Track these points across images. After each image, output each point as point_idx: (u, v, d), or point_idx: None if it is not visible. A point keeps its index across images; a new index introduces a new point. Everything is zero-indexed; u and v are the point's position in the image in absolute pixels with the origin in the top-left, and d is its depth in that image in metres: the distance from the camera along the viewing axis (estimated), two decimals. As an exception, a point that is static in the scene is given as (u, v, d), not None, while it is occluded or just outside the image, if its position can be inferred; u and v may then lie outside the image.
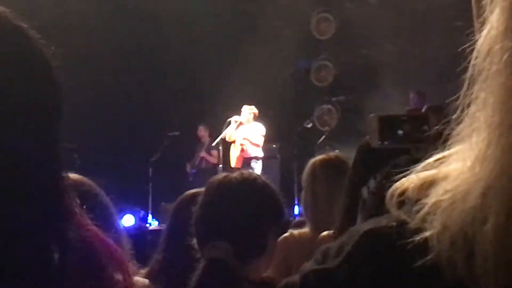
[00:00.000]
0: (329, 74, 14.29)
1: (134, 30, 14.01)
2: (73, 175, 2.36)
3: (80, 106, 12.70)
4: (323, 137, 13.29)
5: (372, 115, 2.39)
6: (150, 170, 12.89)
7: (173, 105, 14.34)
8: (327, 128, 13.74)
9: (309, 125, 14.10)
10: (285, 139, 13.29)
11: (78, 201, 0.96)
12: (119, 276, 0.94)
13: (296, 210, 11.03)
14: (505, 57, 0.70)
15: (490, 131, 0.70)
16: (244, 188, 2.43)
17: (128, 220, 11.36)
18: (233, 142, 12.41)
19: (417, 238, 0.73)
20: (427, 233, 0.72)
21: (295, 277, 0.84)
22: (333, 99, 14.28)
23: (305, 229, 3.66)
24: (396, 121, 2.33)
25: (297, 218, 4.97)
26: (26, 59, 0.91)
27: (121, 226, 2.54)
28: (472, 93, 0.74)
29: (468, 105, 0.74)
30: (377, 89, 13.11)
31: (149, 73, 14.32)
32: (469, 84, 0.74)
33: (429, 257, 0.71)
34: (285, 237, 3.53)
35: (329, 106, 14.24)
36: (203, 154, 13.27)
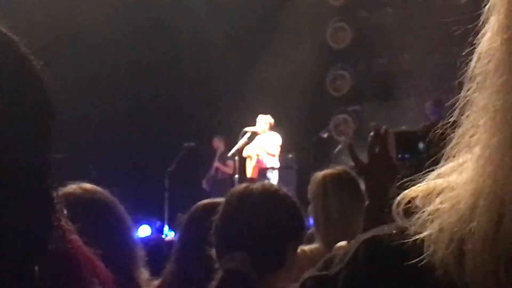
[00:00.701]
0: (345, 83, 14.28)
1: (150, 41, 14.06)
2: (89, 186, 2.36)
3: (97, 117, 12.77)
4: (339, 146, 13.25)
5: (373, 124, 2.39)
6: (166, 180, 12.89)
7: (189, 116, 14.37)
8: (343, 137, 13.71)
9: (325, 135, 14.07)
10: (301, 149, 13.28)
11: (65, 213, 0.95)
12: None
13: (311, 220, 10.98)
14: (497, 56, 0.71)
15: (483, 133, 0.71)
16: (265, 199, 2.42)
17: (144, 231, 11.37)
18: (249, 157, 12.41)
19: (414, 239, 0.74)
20: (422, 235, 0.74)
21: (296, 285, 0.85)
22: (349, 108, 14.26)
23: (316, 245, 3.62)
24: (413, 137, 2.32)
25: (310, 230, 4.93)
26: (16, 72, 0.91)
27: (136, 237, 2.54)
28: (470, 95, 0.74)
29: (466, 108, 0.75)
30: (393, 98, 13.09)
31: (164, 84, 14.35)
32: (467, 86, 0.75)
33: (423, 256, 0.72)
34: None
35: (345, 116, 14.22)
36: (217, 164, 13.28)
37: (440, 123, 0.80)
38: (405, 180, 0.81)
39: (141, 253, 2.42)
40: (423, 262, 0.72)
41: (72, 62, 10.93)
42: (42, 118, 0.93)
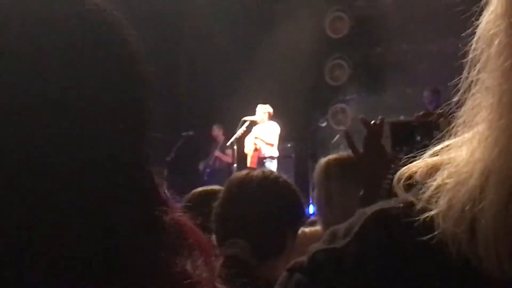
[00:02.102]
0: (343, 73, 14.27)
1: (147, 30, 14.02)
2: None
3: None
4: (337, 136, 13.26)
5: (361, 117, 2.41)
6: (165, 170, 12.90)
7: (187, 105, 14.36)
8: (341, 127, 13.71)
9: (323, 124, 14.09)
10: (299, 138, 13.29)
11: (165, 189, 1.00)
12: (205, 266, 0.96)
13: (311, 209, 11.00)
14: (502, 39, 0.72)
15: (490, 114, 0.73)
16: (265, 186, 2.43)
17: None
18: (248, 151, 12.41)
19: (424, 216, 0.75)
20: (433, 212, 0.75)
21: (303, 258, 0.85)
22: (347, 98, 14.25)
23: (317, 227, 3.65)
24: (408, 127, 2.33)
25: (311, 217, 4.95)
26: (117, 53, 0.94)
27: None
28: (473, 76, 0.76)
29: (469, 88, 0.76)
30: (391, 87, 13.09)
31: (163, 72, 14.33)
32: (470, 67, 0.76)
33: (435, 234, 0.73)
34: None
35: (343, 105, 14.22)
36: (217, 153, 13.28)
37: (434, 111, 0.82)
38: (403, 160, 0.83)
39: None
40: (434, 240, 0.74)
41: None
42: (141, 99, 0.97)
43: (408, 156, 0.83)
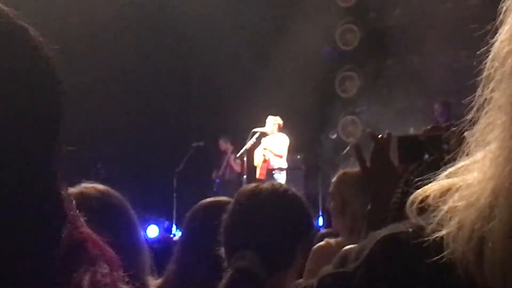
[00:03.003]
0: (354, 85, 14.27)
1: (159, 41, 14.08)
2: (101, 187, 2.37)
3: (105, 117, 12.79)
4: (348, 148, 13.25)
5: (369, 130, 2.41)
6: (175, 180, 12.91)
7: (198, 116, 14.39)
8: (351, 139, 13.69)
9: (334, 136, 14.07)
10: (309, 150, 13.29)
11: (74, 205, 1.00)
12: (107, 277, 0.98)
13: (321, 221, 11.00)
14: None
15: (502, 132, 0.72)
16: (275, 199, 2.43)
17: (152, 231, 11.39)
18: (258, 164, 12.42)
19: (433, 237, 0.75)
20: (443, 232, 0.74)
21: (313, 280, 0.86)
22: (358, 110, 14.25)
23: (340, 239, 3.66)
24: (415, 141, 2.32)
25: (321, 230, 4.94)
26: (27, 61, 0.92)
27: (144, 239, 2.54)
28: (487, 94, 0.75)
29: (483, 106, 0.76)
30: (402, 99, 13.07)
31: (173, 83, 14.38)
32: (484, 85, 0.76)
33: (444, 254, 0.73)
34: (321, 246, 3.54)
35: (354, 117, 14.21)
36: (231, 159, 13.23)
37: (443, 125, 0.81)
38: (415, 181, 0.82)
39: (148, 257, 2.42)
40: (443, 260, 0.73)
41: (79, 61, 10.95)
42: (54, 109, 0.95)
43: (416, 174, 0.82)
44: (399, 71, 13.51)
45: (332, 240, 3.64)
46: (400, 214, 0.80)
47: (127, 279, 1.03)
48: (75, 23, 12.27)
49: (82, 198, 2.20)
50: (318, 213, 11.17)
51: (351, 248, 0.85)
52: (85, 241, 0.97)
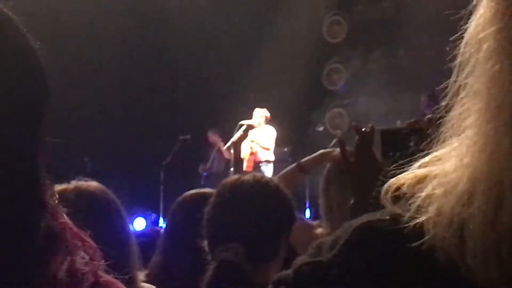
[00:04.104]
0: (341, 77, 14.28)
1: (146, 34, 14.04)
2: (91, 183, 2.36)
3: (92, 110, 12.75)
4: (334, 140, 13.27)
5: (353, 124, 2.41)
6: (162, 173, 12.89)
7: (185, 108, 14.36)
8: (338, 131, 13.71)
9: (321, 129, 14.09)
10: (296, 143, 13.28)
11: (57, 196, 1.00)
12: (86, 266, 0.99)
13: (308, 213, 11.02)
14: (490, 43, 0.72)
15: (478, 119, 0.72)
16: (257, 190, 2.42)
17: (139, 224, 11.38)
18: (245, 156, 12.41)
19: (413, 223, 0.74)
20: (422, 218, 0.74)
21: (288, 271, 0.85)
22: (345, 102, 14.26)
23: (320, 229, 3.66)
24: (398, 134, 2.33)
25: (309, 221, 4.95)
26: (13, 50, 0.92)
27: (131, 232, 2.53)
28: (461, 80, 0.75)
29: (458, 92, 0.76)
30: (389, 92, 13.09)
31: (160, 76, 14.34)
32: (458, 71, 0.76)
33: (424, 240, 0.73)
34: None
35: (341, 110, 14.23)
36: (221, 146, 13.17)
37: (425, 119, 0.81)
38: (391, 174, 0.82)
39: (135, 251, 2.42)
40: (423, 245, 0.73)
41: (66, 54, 10.91)
42: (37, 98, 0.95)
43: (396, 165, 0.82)
44: (386, 63, 13.53)
45: (318, 231, 3.64)
46: (381, 207, 0.80)
47: (108, 269, 1.04)
48: (61, 18, 12.21)
49: (79, 194, 2.20)
50: (305, 205, 11.19)
51: (325, 238, 0.84)
52: (64, 232, 0.98)
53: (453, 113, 0.76)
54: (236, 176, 2.53)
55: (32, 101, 0.93)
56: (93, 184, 2.35)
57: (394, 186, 0.80)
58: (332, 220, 3.57)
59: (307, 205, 11.20)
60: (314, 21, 14.11)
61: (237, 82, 13.55)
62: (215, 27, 13.82)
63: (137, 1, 13.84)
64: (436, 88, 0.79)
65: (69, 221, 1.01)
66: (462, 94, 0.75)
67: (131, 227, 2.46)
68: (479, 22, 0.74)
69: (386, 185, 0.81)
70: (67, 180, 2.32)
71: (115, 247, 1.81)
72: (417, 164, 0.80)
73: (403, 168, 0.81)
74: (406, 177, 0.80)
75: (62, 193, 2.01)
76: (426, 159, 0.79)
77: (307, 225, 3.77)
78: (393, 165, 0.84)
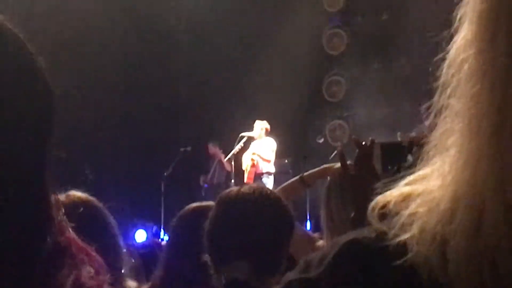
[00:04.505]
0: (341, 89, 14.30)
1: (147, 46, 14.06)
2: (80, 194, 2.37)
3: (92, 121, 12.76)
4: (335, 152, 13.28)
5: (353, 137, 2.42)
6: (163, 185, 12.89)
7: (186, 120, 14.37)
8: (339, 143, 13.71)
9: (321, 140, 14.09)
10: (297, 154, 13.28)
11: (63, 210, 1.01)
12: (92, 280, 0.99)
13: (308, 225, 11.00)
14: (470, 64, 0.74)
15: (459, 138, 0.74)
16: (256, 202, 2.39)
17: (140, 236, 11.36)
18: (246, 168, 12.40)
19: (396, 241, 0.76)
20: (406, 236, 0.76)
21: (277, 286, 0.86)
22: (345, 114, 14.27)
23: (322, 242, 3.66)
24: (398, 148, 2.34)
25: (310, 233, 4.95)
26: (19, 65, 0.93)
27: (123, 247, 2.52)
28: (444, 100, 0.77)
29: (440, 112, 0.78)
30: (389, 103, 13.10)
31: (161, 88, 14.35)
32: (441, 92, 0.78)
33: (408, 257, 0.74)
34: None
35: (341, 122, 14.24)
36: (222, 158, 13.15)
37: (424, 134, 0.83)
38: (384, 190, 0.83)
39: (127, 261, 2.41)
40: (407, 263, 0.74)
41: (67, 66, 10.93)
42: (44, 114, 0.95)
43: (392, 179, 0.84)
44: (386, 75, 13.54)
45: (319, 243, 3.64)
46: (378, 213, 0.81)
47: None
48: (60, 29, 12.23)
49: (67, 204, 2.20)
50: (306, 217, 11.18)
51: (313, 255, 0.86)
52: (70, 246, 0.98)
53: (436, 132, 0.78)
54: (234, 189, 2.51)
55: (38, 117, 0.94)
56: (77, 193, 2.36)
57: (381, 204, 0.81)
58: (333, 232, 3.57)
59: (308, 216, 11.19)
60: (314, 33, 14.13)
61: (237, 94, 13.57)
62: (216, 40, 13.85)
63: (138, 14, 13.87)
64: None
65: (74, 236, 1.02)
66: (444, 114, 0.77)
67: (120, 237, 2.45)
68: (461, 44, 0.76)
69: (373, 202, 0.82)
70: (66, 191, 2.32)
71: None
72: (403, 181, 0.81)
73: (399, 182, 0.82)
74: (392, 195, 0.81)
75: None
76: (412, 177, 0.81)
77: (309, 238, 3.76)
78: (391, 179, 0.85)
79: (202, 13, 13.78)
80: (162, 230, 12.39)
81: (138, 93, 13.98)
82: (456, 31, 0.77)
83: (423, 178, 0.79)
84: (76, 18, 12.67)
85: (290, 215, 2.50)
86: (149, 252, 8.59)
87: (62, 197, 2.28)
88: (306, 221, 11.13)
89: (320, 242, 3.64)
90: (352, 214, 2.40)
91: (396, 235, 0.77)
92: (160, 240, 11.85)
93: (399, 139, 10.44)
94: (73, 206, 2.23)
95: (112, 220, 2.41)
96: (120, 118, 13.62)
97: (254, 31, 13.99)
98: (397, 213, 0.79)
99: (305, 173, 3.74)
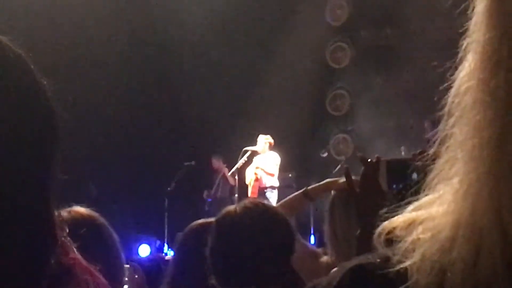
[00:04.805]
0: (345, 103, 14.31)
1: (149, 62, 14.10)
2: (83, 210, 2.36)
3: (97, 137, 12.77)
4: (339, 166, 13.28)
5: (359, 154, 2.42)
6: (166, 200, 12.89)
7: (189, 135, 14.38)
8: (342, 157, 13.71)
9: (325, 154, 14.08)
10: (300, 168, 13.28)
11: (67, 230, 1.00)
12: None
13: (312, 239, 10.98)
14: (473, 94, 0.75)
15: (462, 167, 0.75)
16: (255, 218, 2.39)
17: (144, 250, 11.35)
18: (249, 182, 12.39)
19: (398, 268, 0.77)
20: (407, 263, 0.76)
21: None
22: (349, 128, 14.28)
23: (328, 257, 3.65)
24: (404, 165, 2.33)
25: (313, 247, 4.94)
26: (23, 88, 0.93)
27: (124, 263, 2.52)
28: (448, 129, 0.78)
29: (445, 140, 0.79)
30: (392, 117, 13.11)
31: (164, 103, 14.38)
32: (445, 120, 0.79)
33: (408, 284, 0.75)
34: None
35: (345, 135, 14.24)
36: (226, 172, 13.15)
37: (428, 151, 0.83)
38: (391, 208, 0.84)
39: (130, 276, 2.40)
40: None
41: (70, 82, 10.96)
42: (48, 136, 0.95)
43: (400, 199, 0.85)
44: (389, 89, 13.55)
45: (324, 259, 3.63)
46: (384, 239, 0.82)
47: None
48: (63, 46, 12.28)
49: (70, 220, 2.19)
50: (310, 231, 11.16)
51: (320, 280, 0.87)
52: (74, 267, 0.98)
53: (440, 160, 0.79)
54: (233, 206, 2.51)
55: (41, 138, 0.94)
56: (80, 209, 2.35)
57: (387, 229, 0.82)
58: (337, 247, 3.56)
59: (312, 231, 11.17)
60: (318, 47, 14.16)
61: (241, 108, 13.58)
62: (219, 54, 13.87)
63: (141, 30, 13.92)
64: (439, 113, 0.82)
65: (79, 256, 1.02)
66: (448, 143, 0.78)
67: (122, 255, 2.44)
68: (465, 73, 0.77)
69: (379, 228, 0.83)
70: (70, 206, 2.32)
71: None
72: (410, 207, 0.82)
73: (405, 200, 0.83)
74: (398, 220, 0.82)
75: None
76: (418, 203, 0.81)
77: (313, 253, 3.75)
78: (396, 197, 0.86)
79: (205, 28, 13.81)
80: (166, 244, 12.38)
81: (141, 108, 14.00)
82: (462, 60, 0.78)
83: (428, 204, 0.80)
84: (78, 35, 12.72)
85: (290, 229, 2.49)
86: (153, 266, 8.58)
87: (64, 212, 2.27)
88: (310, 236, 11.11)
89: (324, 258, 3.63)
90: (358, 232, 2.39)
91: (399, 261, 0.77)
92: (164, 254, 11.84)
93: (402, 153, 10.45)
94: (75, 223, 2.22)
95: (115, 235, 2.41)
96: (124, 133, 13.63)
97: (257, 45, 14.01)
98: (402, 239, 0.79)
99: (309, 187, 3.73)
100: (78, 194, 2.33)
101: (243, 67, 13.92)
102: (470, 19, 0.78)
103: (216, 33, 13.80)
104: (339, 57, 14.31)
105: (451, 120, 0.78)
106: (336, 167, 12.86)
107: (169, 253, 11.85)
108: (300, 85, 13.45)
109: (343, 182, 3.37)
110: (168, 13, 13.72)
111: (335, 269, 0.85)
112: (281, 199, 4.20)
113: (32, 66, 0.96)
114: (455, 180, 0.76)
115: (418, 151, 2.35)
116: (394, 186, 2.30)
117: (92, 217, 2.36)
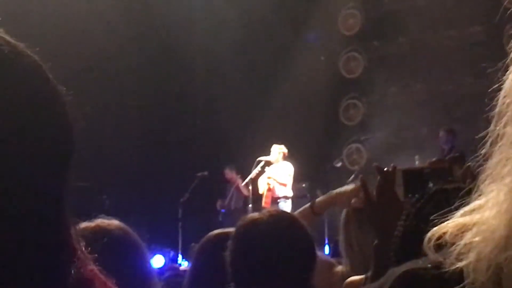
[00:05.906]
0: (358, 112, 14.29)
1: (163, 72, 14.14)
2: (112, 222, 2.35)
3: (110, 148, 12.80)
4: (353, 176, 13.25)
5: (375, 164, 2.39)
6: (180, 210, 12.89)
7: (203, 145, 14.39)
8: (356, 167, 13.68)
9: (338, 164, 14.06)
10: (314, 178, 13.26)
11: (83, 243, 1.00)
12: None
13: (327, 249, 10.95)
14: None
15: None
16: (276, 229, 2.37)
17: (158, 261, 11.35)
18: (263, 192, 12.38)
19: (453, 268, 0.77)
20: (463, 263, 0.77)
21: None
22: (362, 138, 14.25)
23: (344, 268, 3.64)
24: (420, 174, 2.31)
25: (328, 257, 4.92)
26: (41, 97, 0.93)
27: (152, 272, 2.52)
28: (500, 129, 0.78)
29: (496, 141, 0.78)
30: (406, 126, 13.08)
31: (177, 114, 14.40)
32: (496, 121, 0.78)
33: (464, 283, 0.75)
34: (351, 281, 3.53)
35: (358, 145, 14.21)
36: (239, 183, 13.14)
37: (446, 158, 0.83)
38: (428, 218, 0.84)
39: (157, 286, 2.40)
40: None
41: (83, 93, 10.99)
42: (66, 144, 0.95)
43: (422, 209, 0.85)
44: (403, 98, 13.53)
45: (339, 269, 3.62)
46: (402, 247, 0.82)
47: None
48: (75, 56, 12.33)
49: (99, 232, 2.19)
50: (324, 241, 11.13)
51: (372, 285, 0.87)
52: (93, 280, 0.98)
53: (492, 161, 0.78)
54: (253, 215, 2.50)
55: (60, 147, 0.93)
56: (114, 223, 2.34)
57: (437, 235, 0.82)
58: (352, 257, 3.54)
59: (326, 241, 11.14)
60: (331, 57, 14.16)
61: (254, 119, 13.58)
62: (233, 64, 13.88)
63: (154, 42, 13.97)
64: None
65: (97, 269, 1.01)
66: (500, 143, 0.77)
67: (152, 267, 2.43)
68: None
69: (429, 234, 0.83)
70: (88, 218, 2.31)
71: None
72: (459, 212, 0.82)
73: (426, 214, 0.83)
74: (448, 226, 0.82)
75: (81, 231, 2.01)
76: (468, 207, 0.81)
77: (327, 263, 3.74)
78: (413, 208, 0.86)
79: (219, 38, 13.84)
80: (180, 255, 12.37)
81: (154, 119, 14.04)
82: (510, 62, 0.78)
83: (479, 208, 0.80)
84: (92, 46, 12.77)
85: (311, 237, 2.47)
86: (167, 277, 8.57)
87: (91, 224, 2.27)
88: (325, 246, 11.07)
89: (339, 268, 3.62)
90: (375, 242, 2.37)
91: (452, 264, 0.78)
92: (178, 265, 11.83)
93: (416, 162, 10.41)
94: (103, 234, 2.22)
95: (145, 247, 2.40)
96: (138, 144, 13.66)
97: (271, 55, 14.03)
98: (453, 244, 0.79)
99: (316, 200, 3.70)
100: (92, 205, 2.32)
101: (256, 77, 13.94)
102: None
103: (230, 44, 13.82)
104: (352, 67, 14.31)
105: (503, 120, 0.77)
106: (350, 177, 12.84)
107: (183, 264, 11.85)
108: (314, 95, 13.45)
109: (348, 192, 3.35)
110: (182, 24, 13.77)
111: (387, 274, 0.85)
112: (295, 209, 4.19)
113: (49, 74, 0.96)
114: (508, 180, 0.75)
115: (434, 159, 2.34)
116: (410, 195, 2.29)
117: (122, 228, 2.36)
